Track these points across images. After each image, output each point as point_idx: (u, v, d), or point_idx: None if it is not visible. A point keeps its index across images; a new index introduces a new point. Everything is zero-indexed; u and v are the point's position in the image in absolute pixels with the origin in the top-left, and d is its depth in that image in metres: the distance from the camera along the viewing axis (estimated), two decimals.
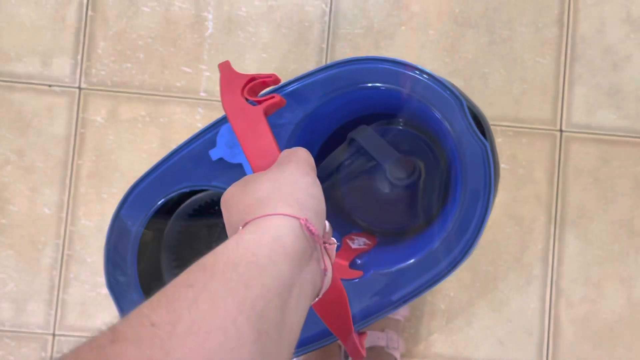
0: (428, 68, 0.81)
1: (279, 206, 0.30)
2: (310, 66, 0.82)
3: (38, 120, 0.82)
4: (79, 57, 0.83)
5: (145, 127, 0.82)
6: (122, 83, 0.82)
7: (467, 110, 0.48)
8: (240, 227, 0.29)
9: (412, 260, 0.49)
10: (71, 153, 0.82)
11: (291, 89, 0.50)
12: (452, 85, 0.50)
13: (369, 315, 0.50)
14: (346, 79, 0.50)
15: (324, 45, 0.82)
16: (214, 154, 0.50)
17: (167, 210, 0.60)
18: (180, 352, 0.19)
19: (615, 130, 0.81)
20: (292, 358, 0.27)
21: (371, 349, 0.72)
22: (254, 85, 0.40)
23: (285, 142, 0.50)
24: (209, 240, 0.68)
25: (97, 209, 0.82)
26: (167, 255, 0.61)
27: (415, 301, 0.80)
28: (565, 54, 0.83)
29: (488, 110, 0.82)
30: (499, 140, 0.81)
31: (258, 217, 0.29)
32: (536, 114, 0.82)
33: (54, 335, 0.81)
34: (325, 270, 0.31)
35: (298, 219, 0.29)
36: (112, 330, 0.20)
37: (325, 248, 0.33)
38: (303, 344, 0.50)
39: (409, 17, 0.83)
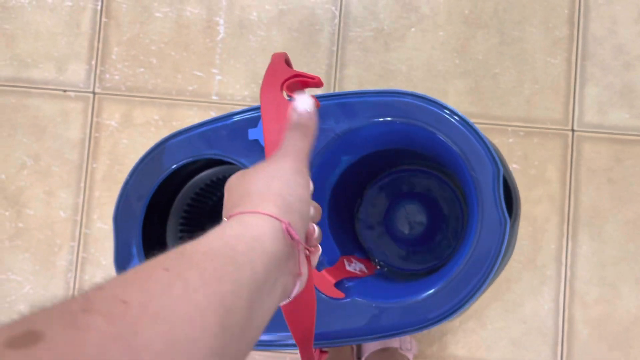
0: (439, 68, 0.82)
1: (265, 204, 0.30)
2: (321, 69, 0.83)
3: (53, 125, 0.84)
4: (93, 62, 0.84)
5: (159, 130, 0.83)
6: (135, 87, 0.84)
7: (501, 180, 0.47)
8: (225, 219, 0.30)
9: (393, 301, 0.49)
10: (86, 157, 0.83)
11: (345, 100, 0.51)
12: (495, 149, 0.49)
13: (339, 338, 0.49)
14: (398, 111, 0.50)
15: (334, 48, 0.83)
16: (252, 133, 0.51)
17: (184, 176, 0.62)
18: (147, 335, 0.20)
19: (628, 130, 0.81)
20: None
21: (385, 350, 0.72)
22: (294, 82, 0.41)
23: (323, 147, 0.51)
24: (215, 214, 0.69)
25: (111, 211, 0.83)
26: (175, 219, 0.62)
27: None
28: (577, 54, 0.82)
29: (499, 111, 0.82)
30: (509, 141, 0.81)
31: (243, 213, 0.30)
32: (548, 113, 0.82)
33: None
34: (299, 275, 0.31)
35: (281, 221, 0.30)
36: (85, 298, 0.20)
37: (308, 252, 0.33)
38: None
39: (419, 19, 0.83)
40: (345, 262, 0.56)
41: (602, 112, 0.81)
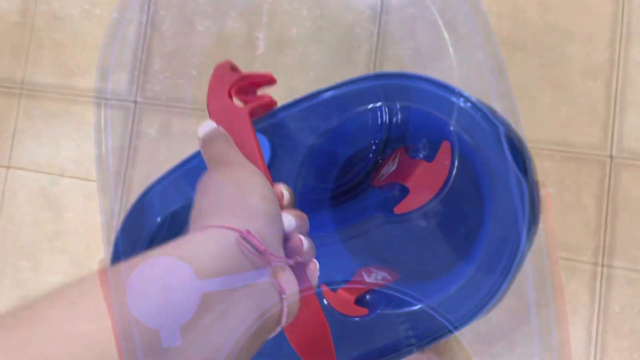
0: (475, 91, 0.82)
1: (216, 217, 0.26)
2: None
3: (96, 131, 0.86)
4: (136, 72, 0.87)
5: (196, 140, 0.85)
6: (175, 98, 0.86)
7: (503, 139, 0.43)
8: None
9: (425, 303, 0.44)
10: (125, 164, 0.86)
11: (310, 103, 0.46)
12: (489, 109, 0.44)
13: None
14: (371, 96, 0.46)
15: (371, 66, 0.84)
16: None
17: (180, 223, 0.59)
18: None
19: None
20: None
21: None
22: (243, 85, 0.36)
23: (301, 160, 0.48)
24: None
25: None
26: None
27: None
28: (617, 79, 0.81)
29: (535, 134, 0.81)
30: (545, 164, 0.80)
31: (189, 234, 0.26)
32: (585, 138, 0.81)
33: None
34: (282, 292, 0.26)
35: (235, 230, 0.25)
36: None
37: (289, 263, 0.28)
38: None
39: (457, 40, 0.83)
40: (364, 274, 0.53)
41: None
